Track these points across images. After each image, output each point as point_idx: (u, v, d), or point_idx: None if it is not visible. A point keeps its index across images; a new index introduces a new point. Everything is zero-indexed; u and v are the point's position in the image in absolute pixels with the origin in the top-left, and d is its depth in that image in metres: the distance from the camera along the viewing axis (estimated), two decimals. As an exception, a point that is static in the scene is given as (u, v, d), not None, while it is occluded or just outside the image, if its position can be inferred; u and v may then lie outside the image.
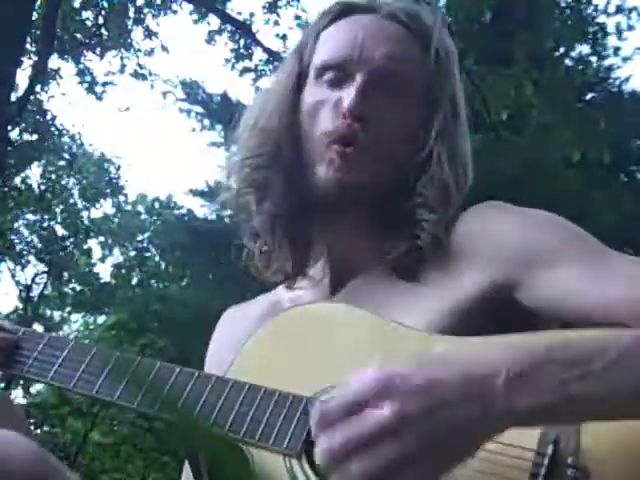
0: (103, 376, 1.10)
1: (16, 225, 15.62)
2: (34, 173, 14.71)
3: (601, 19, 9.97)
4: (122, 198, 18.60)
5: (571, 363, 0.82)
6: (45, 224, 15.96)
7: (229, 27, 11.33)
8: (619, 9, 10.09)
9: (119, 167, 18.30)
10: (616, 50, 10.44)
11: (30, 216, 15.85)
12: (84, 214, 17.34)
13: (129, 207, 18.98)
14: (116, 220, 18.52)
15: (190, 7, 11.60)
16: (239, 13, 11.27)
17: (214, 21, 11.50)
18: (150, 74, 12.43)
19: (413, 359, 0.85)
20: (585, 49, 10.52)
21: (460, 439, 0.79)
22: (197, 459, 1.02)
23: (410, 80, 1.17)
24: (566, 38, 9.45)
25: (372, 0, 1.23)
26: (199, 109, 11.58)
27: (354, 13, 1.21)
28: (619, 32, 10.05)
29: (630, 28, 9.98)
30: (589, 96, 10.46)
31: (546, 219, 1.11)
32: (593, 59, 10.52)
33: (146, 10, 11.82)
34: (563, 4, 9.32)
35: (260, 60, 11.54)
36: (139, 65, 12.30)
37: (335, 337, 1.04)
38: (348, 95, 1.13)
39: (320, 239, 1.21)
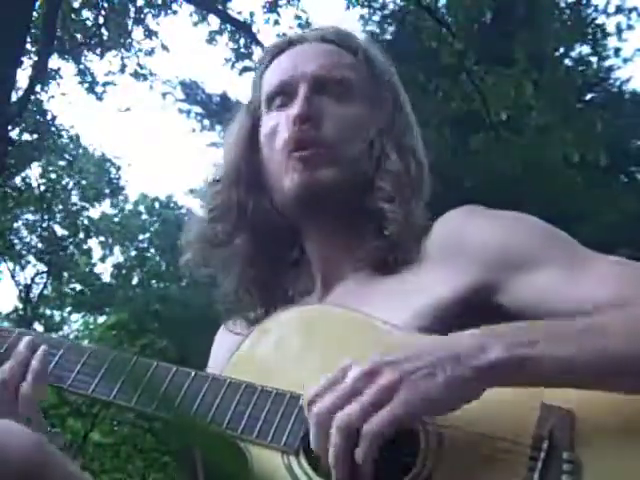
0: (99, 376, 1.10)
1: (16, 225, 15.62)
2: (34, 173, 14.71)
3: (601, 19, 9.98)
4: (122, 198, 18.62)
5: (540, 330, 0.92)
6: (45, 224, 15.96)
7: (229, 27, 11.33)
8: (619, 9, 10.10)
9: (119, 167, 18.32)
10: (617, 51, 10.46)
11: (30, 216, 15.85)
12: (84, 214, 17.34)
13: (129, 207, 19.00)
14: (116, 220, 18.52)
15: (190, 8, 11.60)
16: (239, 13, 11.27)
17: (214, 22, 11.51)
18: (150, 74, 12.44)
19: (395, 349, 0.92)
20: (585, 49, 10.55)
21: (435, 390, 0.86)
22: (192, 458, 1.03)
23: (347, 83, 1.26)
24: (566, 39, 9.46)
25: (303, 33, 1.37)
26: (199, 109, 11.59)
27: (289, 47, 1.32)
28: (619, 32, 10.06)
29: (630, 27, 9.98)
30: (589, 96, 10.47)
31: (525, 223, 1.14)
32: (593, 59, 10.54)
33: (146, 10, 11.82)
34: (563, 4, 9.31)
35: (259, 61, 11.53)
36: (139, 65, 12.30)
37: (318, 337, 1.07)
38: (295, 106, 1.22)
39: (308, 252, 1.28)
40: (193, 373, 1.07)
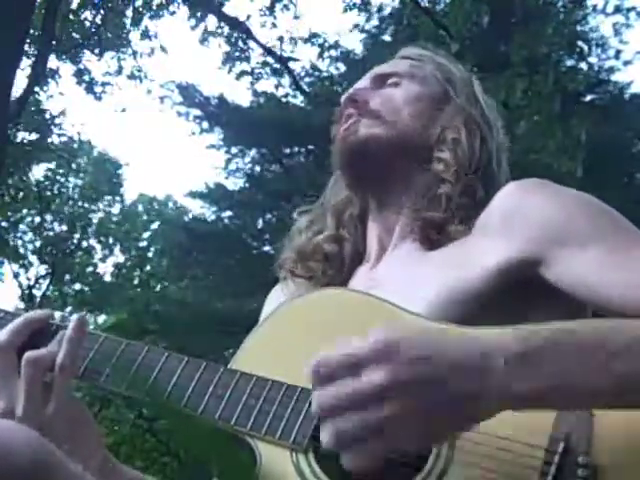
0: (109, 369, 1.10)
1: (18, 226, 15.60)
2: (34, 173, 14.69)
3: (599, 19, 9.99)
4: (121, 198, 18.60)
5: (574, 351, 0.83)
6: (46, 224, 15.94)
7: (226, 30, 11.33)
8: (617, 9, 10.11)
9: (119, 167, 18.29)
10: (617, 53, 10.45)
11: (31, 216, 15.83)
12: (84, 214, 17.31)
13: (130, 207, 18.96)
14: (116, 220, 18.49)
15: (187, 11, 11.59)
16: (236, 17, 11.28)
17: (211, 24, 11.51)
18: (145, 77, 12.44)
19: (416, 328, 0.88)
20: (576, 57, 10.53)
21: (448, 414, 0.81)
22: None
23: (409, 73, 1.34)
24: (558, 46, 9.48)
25: (406, 50, 1.45)
26: (197, 112, 11.59)
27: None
28: (617, 33, 10.06)
29: (628, 27, 9.99)
30: (589, 97, 10.46)
31: (581, 200, 1.12)
32: (584, 66, 10.53)
33: (144, 11, 11.80)
34: (560, 5, 9.32)
35: (257, 63, 11.55)
36: (138, 69, 12.29)
37: (332, 323, 1.05)
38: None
39: (369, 220, 1.32)
40: (204, 364, 1.05)
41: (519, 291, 1.06)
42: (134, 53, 12.21)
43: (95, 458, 1.12)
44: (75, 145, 16.17)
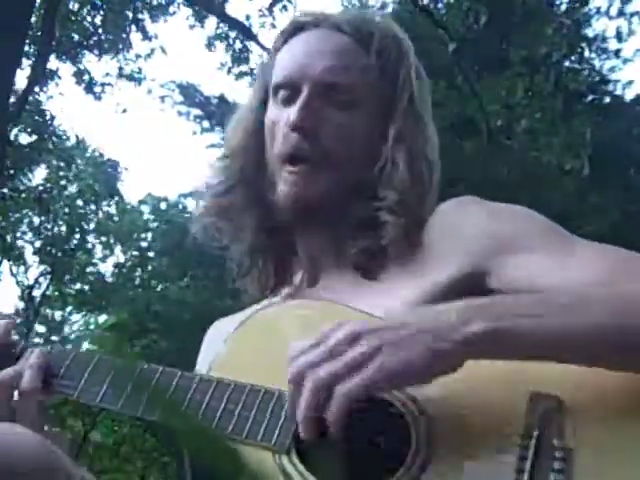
0: (84, 379, 1.10)
1: (18, 226, 15.60)
2: (34, 174, 14.70)
3: (602, 22, 9.99)
4: (121, 199, 18.59)
5: (524, 304, 0.94)
6: (46, 225, 15.94)
7: (226, 32, 11.35)
8: (620, 12, 10.10)
9: (118, 167, 18.29)
10: (617, 52, 10.45)
11: (29, 217, 15.83)
12: (85, 214, 17.32)
13: (130, 207, 18.96)
14: (116, 219, 18.49)
15: (188, 11, 11.61)
16: (235, 18, 11.29)
17: (211, 26, 11.52)
18: (145, 78, 12.45)
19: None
20: (585, 51, 10.53)
21: (413, 359, 0.88)
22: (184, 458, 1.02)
23: (354, 89, 1.22)
24: (559, 45, 9.49)
25: (319, 14, 1.29)
26: (197, 111, 11.60)
27: (303, 30, 1.27)
28: (619, 37, 10.07)
29: (631, 33, 10.00)
30: (590, 98, 10.46)
31: (513, 210, 1.16)
32: (585, 66, 10.53)
33: (144, 11, 11.81)
34: (562, 8, 9.33)
35: (256, 63, 11.55)
36: (139, 69, 12.31)
37: (297, 332, 1.06)
38: (294, 109, 1.19)
39: (298, 245, 1.28)
40: (179, 373, 1.06)
41: None
42: (136, 57, 12.22)
43: None
44: (75, 145, 16.20)
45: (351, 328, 0.90)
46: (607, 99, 10.51)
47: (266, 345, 1.07)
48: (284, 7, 11.28)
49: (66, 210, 16.56)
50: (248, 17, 11.25)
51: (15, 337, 1.18)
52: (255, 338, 1.10)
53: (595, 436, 0.90)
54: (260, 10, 11.12)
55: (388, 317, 0.96)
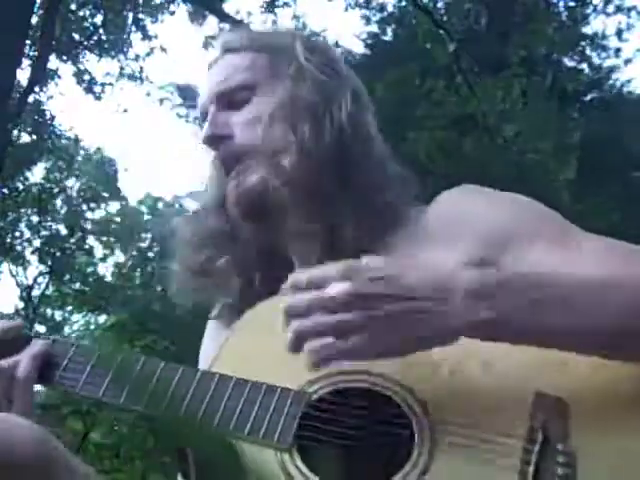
0: (86, 373, 1.09)
1: (17, 225, 15.59)
2: (34, 174, 14.70)
3: (600, 19, 10.00)
4: (121, 199, 18.59)
5: (537, 285, 0.92)
6: (46, 224, 15.94)
7: (226, 29, 11.33)
8: (618, 9, 10.10)
9: (117, 167, 18.29)
10: (617, 51, 10.45)
11: (28, 216, 15.82)
12: (85, 214, 17.32)
13: (130, 207, 18.96)
14: (117, 219, 18.49)
15: (187, 11, 11.61)
16: (237, 13, 11.29)
17: (210, 26, 11.52)
18: (147, 78, 12.45)
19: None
20: (577, 57, 10.53)
21: (411, 330, 0.88)
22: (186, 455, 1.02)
23: (245, 84, 1.27)
24: (558, 46, 9.50)
25: (223, 42, 1.34)
26: (196, 113, 11.60)
27: (210, 68, 1.34)
28: (619, 33, 10.07)
29: (629, 27, 10.00)
30: (590, 97, 10.46)
31: (519, 202, 1.17)
32: (584, 66, 10.54)
33: (143, 11, 11.81)
34: (561, 8, 9.33)
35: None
36: (139, 71, 12.30)
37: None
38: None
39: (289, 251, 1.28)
40: (181, 369, 1.06)
41: None
42: (136, 57, 12.22)
43: None
44: (75, 145, 16.20)
45: (353, 288, 0.88)
46: (607, 97, 10.51)
47: (266, 339, 1.05)
48: (285, 4, 11.28)
49: (65, 210, 16.55)
50: (249, 14, 11.26)
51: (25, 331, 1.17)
52: (256, 332, 1.09)
53: (599, 438, 0.90)
54: (262, 7, 11.12)
55: (401, 273, 0.91)
